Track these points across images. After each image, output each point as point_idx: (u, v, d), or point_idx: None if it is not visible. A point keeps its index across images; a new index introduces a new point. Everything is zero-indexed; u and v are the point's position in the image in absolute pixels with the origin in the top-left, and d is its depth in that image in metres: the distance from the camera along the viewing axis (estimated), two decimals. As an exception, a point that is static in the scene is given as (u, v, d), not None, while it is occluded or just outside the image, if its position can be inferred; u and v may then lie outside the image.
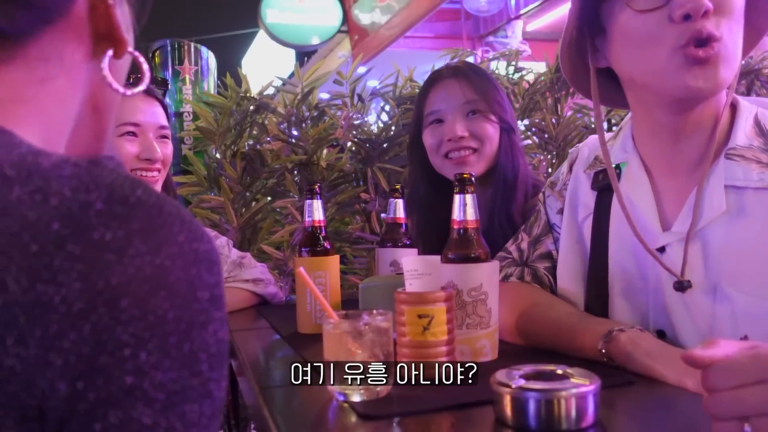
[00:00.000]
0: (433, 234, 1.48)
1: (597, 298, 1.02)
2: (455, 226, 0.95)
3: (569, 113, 2.29)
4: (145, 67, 0.55)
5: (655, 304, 0.96)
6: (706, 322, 0.89)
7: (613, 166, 1.01)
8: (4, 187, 0.36)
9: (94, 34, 0.50)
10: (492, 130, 1.44)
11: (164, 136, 1.53)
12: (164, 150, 1.51)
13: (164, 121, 1.54)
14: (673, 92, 0.88)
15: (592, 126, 2.31)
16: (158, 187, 1.47)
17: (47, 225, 0.35)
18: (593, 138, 1.13)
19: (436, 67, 1.55)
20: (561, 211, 1.11)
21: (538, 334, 1.01)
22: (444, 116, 1.45)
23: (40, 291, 0.34)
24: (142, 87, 0.55)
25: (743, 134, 0.89)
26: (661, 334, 0.94)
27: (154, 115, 1.51)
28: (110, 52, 0.51)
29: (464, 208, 0.95)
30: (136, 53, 0.54)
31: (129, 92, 0.53)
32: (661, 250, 0.93)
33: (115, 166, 0.39)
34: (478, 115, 1.44)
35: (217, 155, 2.17)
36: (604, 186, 1.04)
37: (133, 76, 0.59)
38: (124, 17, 0.52)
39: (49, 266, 0.34)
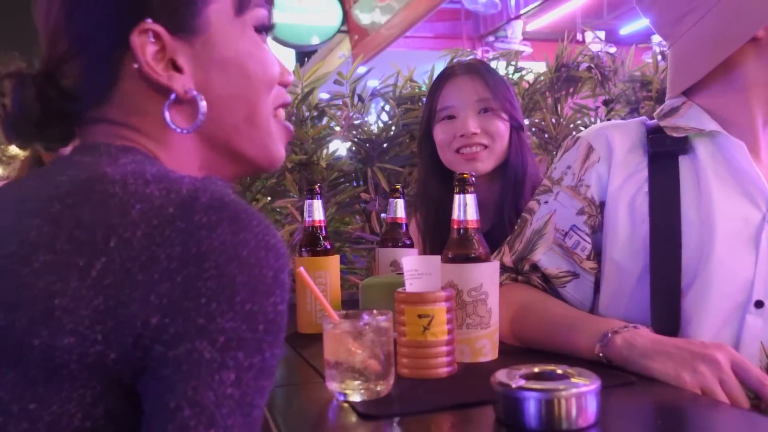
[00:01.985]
0: (440, 231, 1.48)
1: (667, 267, 0.96)
2: (455, 226, 0.95)
3: (569, 113, 2.29)
4: (202, 104, 0.65)
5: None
6: None
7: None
8: (145, 185, 0.53)
9: (157, 88, 0.63)
10: (503, 128, 1.46)
11: None
12: None
13: None
14: None
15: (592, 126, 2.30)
16: None
17: (165, 208, 0.51)
18: (607, 125, 1.10)
19: (437, 67, 1.57)
20: (582, 212, 1.05)
21: (534, 336, 1.00)
22: (456, 112, 1.47)
23: (153, 250, 0.49)
24: (195, 124, 0.64)
25: None
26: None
27: None
28: (172, 98, 0.63)
29: (464, 208, 0.95)
30: (194, 93, 0.64)
31: (180, 129, 0.64)
32: None
33: (222, 182, 0.55)
34: (490, 112, 1.46)
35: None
36: (666, 152, 1.01)
37: None
38: (198, 62, 0.64)
39: (162, 234, 0.50)
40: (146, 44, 0.61)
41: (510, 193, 1.47)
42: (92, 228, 0.50)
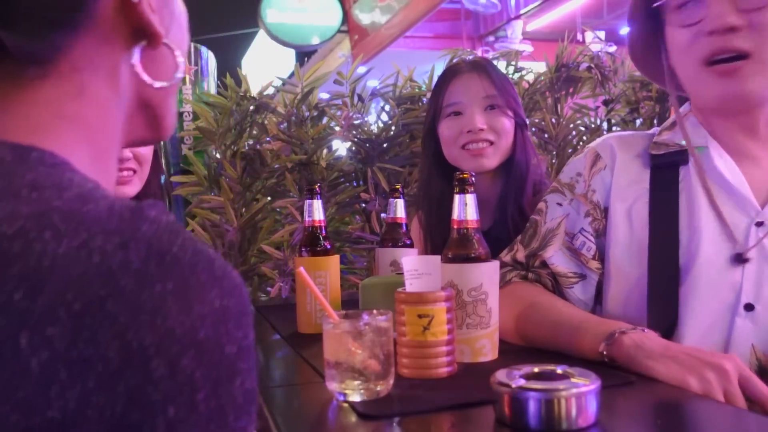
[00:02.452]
0: (442, 229, 1.48)
1: (665, 270, 0.98)
2: (455, 226, 0.95)
3: (569, 113, 2.29)
4: (180, 60, 0.54)
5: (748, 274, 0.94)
6: None
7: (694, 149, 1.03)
8: (55, 241, 0.37)
9: (129, 33, 0.49)
10: (508, 125, 1.47)
11: None
12: (139, 149, 1.34)
13: None
14: (705, 102, 0.99)
15: (592, 126, 2.31)
16: (135, 188, 1.37)
17: (89, 284, 0.36)
18: (613, 135, 1.15)
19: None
20: (588, 214, 1.09)
21: (538, 334, 1.01)
22: (463, 108, 1.47)
23: (81, 349, 0.35)
24: (177, 77, 0.54)
25: None
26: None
27: None
28: (141, 46, 0.51)
29: (464, 208, 0.95)
30: (172, 45, 0.53)
31: (158, 84, 0.53)
32: (759, 224, 0.94)
33: (156, 214, 0.40)
34: (496, 109, 1.47)
35: (217, 155, 2.17)
36: (666, 163, 1.04)
37: None
38: (165, 10, 0.52)
39: (91, 326, 0.35)
40: None
41: (513, 190, 1.47)
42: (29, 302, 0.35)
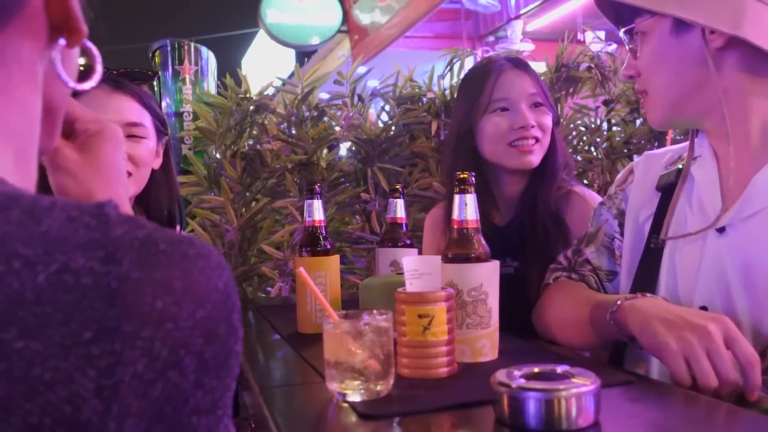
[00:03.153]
0: None
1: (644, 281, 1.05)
2: (455, 226, 0.95)
3: (569, 113, 2.29)
4: (98, 59, 0.51)
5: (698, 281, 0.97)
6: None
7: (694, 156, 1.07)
8: (28, 272, 0.32)
9: (49, 25, 0.45)
10: (550, 123, 1.47)
11: (134, 135, 1.30)
12: (134, 151, 1.28)
13: (135, 117, 1.31)
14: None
15: (593, 126, 2.31)
16: (132, 191, 1.30)
17: (93, 308, 0.33)
18: (649, 153, 1.21)
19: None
20: (616, 216, 1.18)
21: (570, 313, 1.08)
22: (512, 104, 1.44)
23: (108, 374, 0.33)
24: (92, 82, 0.51)
25: None
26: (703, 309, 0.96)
27: (119, 111, 1.29)
28: (62, 42, 0.46)
29: (464, 208, 0.95)
30: (89, 43, 0.49)
31: (79, 86, 0.49)
32: (721, 230, 0.95)
33: (117, 213, 0.37)
34: (540, 107, 1.46)
35: (217, 155, 2.16)
36: (667, 185, 1.08)
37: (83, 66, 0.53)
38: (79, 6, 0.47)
39: (111, 351, 0.33)
40: None
41: (541, 187, 1.45)
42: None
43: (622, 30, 1.07)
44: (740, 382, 0.78)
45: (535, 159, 1.43)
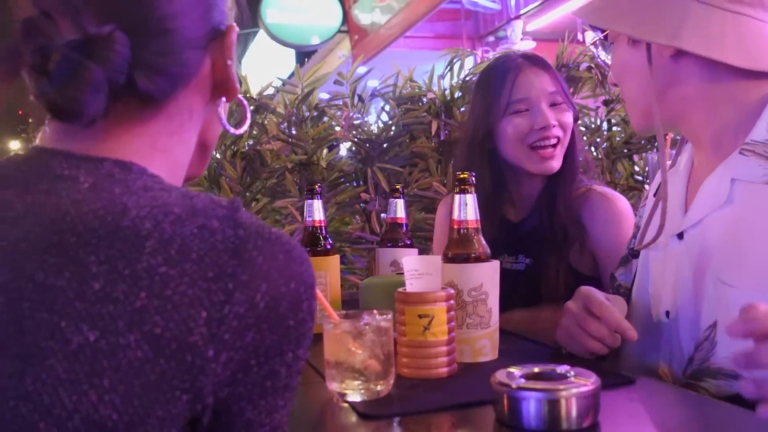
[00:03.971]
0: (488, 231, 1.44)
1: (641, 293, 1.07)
2: (455, 226, 0.95)
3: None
4: (248, 110, 0.69)
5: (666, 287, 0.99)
6: (695, 308, 0.91)
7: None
8: (178, 224, 0.48)
9: (212, 86, 0.62)
10: (571, 120, 1.42)
11: None
12: None
13: None
14: None
15: (593, 126, 2.31)
16: None
17: (219, 256, 0.47)
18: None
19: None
20: (634, 235, 1.17)
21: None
22: (532, 105, 1.39)
23: (218, 309, 0.46)
24: (244, 127, 0.69)
25: (764, 129, 0.88)
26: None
27: None
28: (224, 99, 0.64)
29: (464, 208, 0.95)
30: (243, 99, 0.68)
31: (234, 131, 0.66)
32: (681, 236, 0.95)
33: (240, 206, 0.51)
34: (560, 105, 1.41)
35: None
36: (657, 191, 1.08)
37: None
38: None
39: (225, 290, 0.47)
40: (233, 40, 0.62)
41: (561, 186, 1.40)
42: (135, 280, 0.45)
43: (600, 36, 1.07)
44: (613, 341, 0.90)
45: (557, 164, 1.38)
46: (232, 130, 0.65)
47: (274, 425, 0.50)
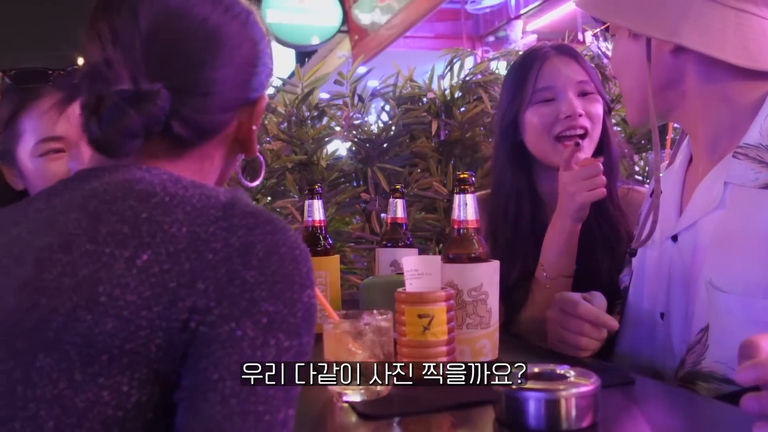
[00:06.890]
0: (505, 228, 1.36)
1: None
2: (455, 226, 0.95)
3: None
4: (263, 166, 0.87)
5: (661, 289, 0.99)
6: (686, 311, 0.91)
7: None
8: (184, 189, 0.60)
9: (234, 142, 0.74)
10: (601, 112, 1.35)
11: None
12: (70, 134, 1.15)
13: None
14: None
15: (592, 126, 2.30)
16: (64, 167, 1.17)
17: (207, 210, 0.58)
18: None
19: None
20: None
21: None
22: (558, 94, 1.32)
23: (197, 245, 0.56)
24: (259, 180, 0.87)
25: (758, 132, 0.87)
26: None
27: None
28: (242, 156, 0.77)
29: (464, 208, 0.95)
30: (261, 157, 0.83)
31: (249, 185, 0.83)
32: (675, 238, 0.95)
33: (243, 195, 0.62)
34: (589, 95, 1.34)
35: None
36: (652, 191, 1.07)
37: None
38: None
39: (206, 231, 0.57)
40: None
41: (613, 179, 1.33)
42: (135, 222, 0.56)
43: (602, 28, 1.08)
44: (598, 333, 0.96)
45: (583, 157, 1.27)
46: (248, 184, 0.82)
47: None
